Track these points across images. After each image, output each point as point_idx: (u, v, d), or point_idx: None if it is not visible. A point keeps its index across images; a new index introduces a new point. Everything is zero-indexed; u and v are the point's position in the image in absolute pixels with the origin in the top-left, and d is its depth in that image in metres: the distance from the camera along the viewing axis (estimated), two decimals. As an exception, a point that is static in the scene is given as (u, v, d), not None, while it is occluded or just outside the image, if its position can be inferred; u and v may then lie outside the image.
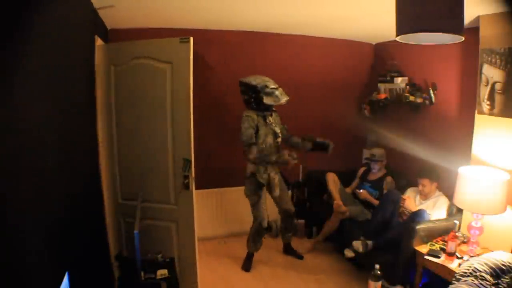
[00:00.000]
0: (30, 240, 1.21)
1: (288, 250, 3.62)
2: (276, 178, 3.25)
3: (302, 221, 3.94)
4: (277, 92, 3.10)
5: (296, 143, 3.37)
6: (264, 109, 3.13)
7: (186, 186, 2.61)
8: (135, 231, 2.00)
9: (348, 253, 3.07)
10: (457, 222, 2.59)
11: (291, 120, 3.57)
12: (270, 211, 3.42)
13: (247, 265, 3.36)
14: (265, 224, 3.26)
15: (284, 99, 3.13)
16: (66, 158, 1.72)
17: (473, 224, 2.46)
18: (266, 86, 3.07)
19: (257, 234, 3.31)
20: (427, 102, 3.36)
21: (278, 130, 3.21)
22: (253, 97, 3.08)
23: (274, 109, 3.25)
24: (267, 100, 3.06)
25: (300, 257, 3.54)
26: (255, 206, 3.24)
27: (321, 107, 4.15)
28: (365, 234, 3.04)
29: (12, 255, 1.05)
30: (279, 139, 3.24)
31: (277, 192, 3.27)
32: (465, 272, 2.05)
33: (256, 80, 3.09)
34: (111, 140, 2.72)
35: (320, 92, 4.13)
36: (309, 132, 3.44)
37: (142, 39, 2.71)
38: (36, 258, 1.26)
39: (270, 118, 3.18)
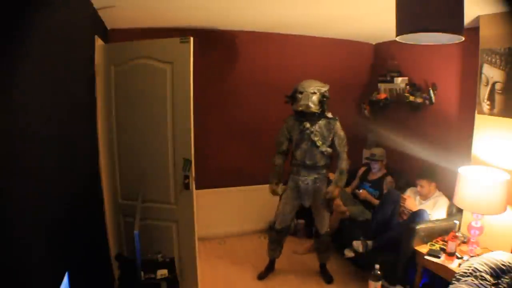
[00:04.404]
0: (30, 240, 1.21)
1: (321, 270, 3.24)
2: (309, 187, 2.97)
3: (302, 221, 3.94)
4: (300, 97, 2.85)
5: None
6: (298, 115, 2.94)
7: (186, 186, 2.61)
8: (135, 231, 1.99)
9: (348, 253, 3.07)
10: (457, 222, 2.59)
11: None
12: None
13: (262, 273, 3.19)
14: (277, 225, 3.09)
15: (302, 105, 2.82)
16: (66, 158, 1.73)
17: (473, 224, 2.46)
18: (296, 91, 2.90)
19: (271, 235, 3.17)
20: (427, 102, 3.36)
21: (316, 138, 2.90)
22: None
23: (330, 116, 2.96)
24: (294, 107, 2.91)
25: (328, 280, 3.14)
26: (279, 205, 3.13)
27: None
28: (365, 234, 3.04)
29: (12, 255, 1.05)
30: (324, 148, 2.93)
31: (306, 202, 3.04)
32: (465, 272, 2.05)
33: (297, 85, 2.94)
34: (111, 140, 2.72)
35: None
36: None
37: (142, 39, 2.70)
38: (36, 258, 1.26)
39: (307, 124, 2.90)
